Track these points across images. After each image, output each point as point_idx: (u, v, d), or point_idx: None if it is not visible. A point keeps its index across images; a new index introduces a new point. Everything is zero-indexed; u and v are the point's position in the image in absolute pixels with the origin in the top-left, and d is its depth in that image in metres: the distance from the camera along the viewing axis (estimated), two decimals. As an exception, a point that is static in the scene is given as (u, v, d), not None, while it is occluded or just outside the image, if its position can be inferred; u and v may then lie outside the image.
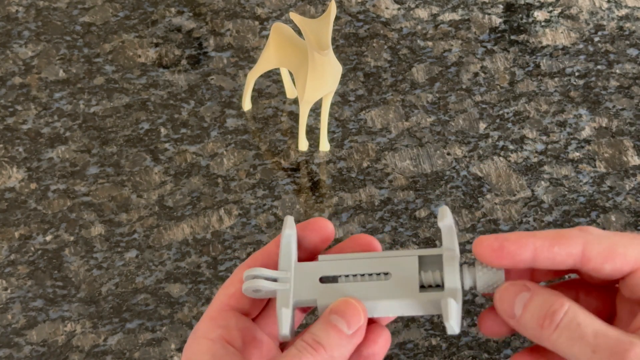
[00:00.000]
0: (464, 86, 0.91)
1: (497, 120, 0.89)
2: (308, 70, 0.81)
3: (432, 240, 0.82)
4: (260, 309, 0.58)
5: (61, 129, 0.88)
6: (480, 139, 0.88)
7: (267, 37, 0.94)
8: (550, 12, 0.96)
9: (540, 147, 0.87)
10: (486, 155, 0.87)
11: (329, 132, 0.88)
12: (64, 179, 0.86)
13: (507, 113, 0.89)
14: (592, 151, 0.87)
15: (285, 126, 0.89)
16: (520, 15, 0.96)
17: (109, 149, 0.87)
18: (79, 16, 0.96)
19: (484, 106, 0.90)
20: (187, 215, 0.83)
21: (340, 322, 0.54)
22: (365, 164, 0.86)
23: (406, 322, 0.78)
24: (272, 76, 0.91)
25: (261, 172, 0.86)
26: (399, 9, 0.96)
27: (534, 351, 0.55)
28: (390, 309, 0.56)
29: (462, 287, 0.55)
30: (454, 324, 0.54)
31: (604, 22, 0.95)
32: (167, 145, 0.87)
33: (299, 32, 0.90)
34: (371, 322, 0.56)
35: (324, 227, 0.57)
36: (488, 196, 0.84)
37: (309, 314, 0.77)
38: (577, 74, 0.92)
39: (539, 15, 0.96)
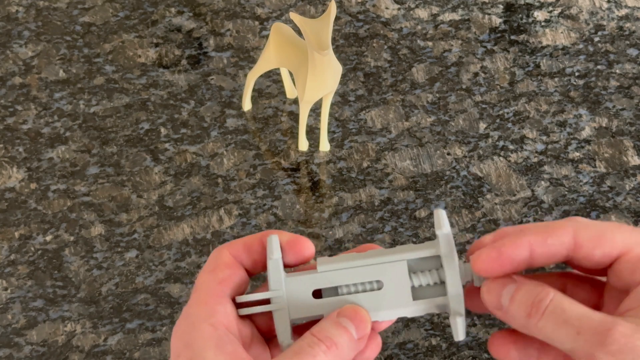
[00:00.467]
0: (464, 86, 0.91)
1: (497, 120, 0.89)
2: (308, 70, 0.81)
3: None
4: (243, 293, 0.58)
5: (61, 129, 0.88)
6: (480, 139, 0.88)
7: (267, 37, 0.94)
8: (550, 12, 0.96)
9: (540, 147, 0.87)
10: (486, 155, 0.87)
11: (329, 132, 0.88)
12: (64, 179, 0.86)
13: (507, 113, 0.89)
14: (592, 151, 0.87)
15: (285, 126, 0.89)
16: (520, 15, 0.96)
17: (109, 149, 0.87)
18: (79, 16, 0.96)
19: (484, 106, 0.90)
20: (187, 215, 0.83)
21: (350, 326, 0.55)
22: (365, 164, 0.86)
23: (406, 322, 0.78)
24: (272, 76, 0.91)
25: (261, 172, 0.86)
26: (399, 9, 0.96)
27: (513, 332, 0.56)
28: (385, 316, 0.56)
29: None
30: (462, 336, 0.55)
31: (604, 22, 0.95)
32: (167, 145, 0.87)
33: (299, 32, 0.90)
34: None
35: (305, 250, 0.57)
36: (488, 196, 0.84)
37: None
38: (577, 74, 0.92)
39: (539, 15, 0.96)
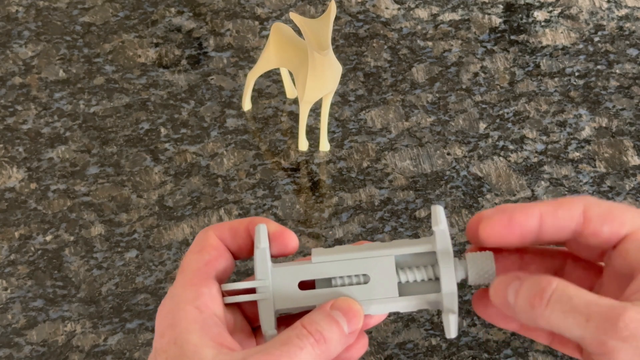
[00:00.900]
0: (464, 86, 0.91)
1: (497, 120, 0.89)
2: (308, 70, 0.81)
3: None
4: (228, 277, 0.58)
5: (61, 129, 0.88)
6: (480, 139, 0.88)
7: (267, 37, 0.94)
8: (550, 12, 0.96)
9: (540, 147, 0.87)
10: (486, 155, 0.87)
11: (329, 132, 0.88)
12: (64, 179, 0.86)
13: (507, 113, 0.89)
14: (592, 151, 0.87)
15: (285, 126, 0.89)
16: (520, 15, 0.96)
17: (109, 149, 0.87)
18: (79, 16, 0.96)
19: (484, 106, 0.90)
20: (187, 215, 0.83)
21: (342, 320, 0.55)
22: (365, 164, 0.86)
23: (406, 322, 0.78)
24: (272, 76, 0.91)
25: (261, 172, 0.86)
26: (399, 9, 0.96)
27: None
28: (371, 310, 0.56)
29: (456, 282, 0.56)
30: (453, 333, 0.55)
31: (604, 22, 0.95)
32: (167, 145, 0.87)
33: (299, 32, 0.90)
34: None
35: (290, 242, 0.57)
36: (488, 196, 0.84)
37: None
38: (577, 74, 0.92)
39: (539, 15, 0.96)
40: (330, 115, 0.89)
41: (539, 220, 0.54)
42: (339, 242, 0.82)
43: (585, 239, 0.55)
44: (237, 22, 0.95)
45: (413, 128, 0.88)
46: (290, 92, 0.90)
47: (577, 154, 0.87)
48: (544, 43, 0.94)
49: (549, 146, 0.87)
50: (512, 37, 0.94)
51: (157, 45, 0.94)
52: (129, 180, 0.85)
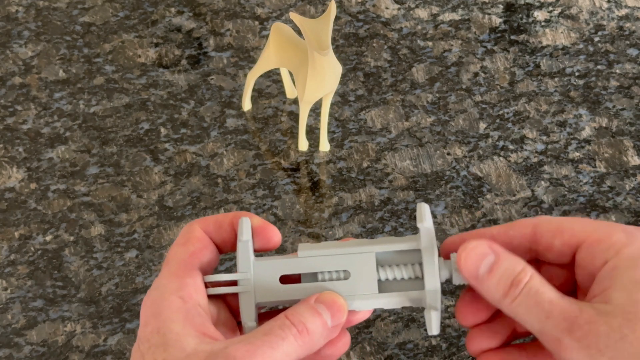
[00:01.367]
0: (464, 86, 0.91)
1: (497, 120, 0.89)
2: (308, 70, 0.81)
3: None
4: (212, 269, 0.58)
5: (61, 129, 0.88)
6: (480, 139, 0.88)
7: (267, 37, 0.94)
8: (550, 12, 0.96)
9: (540, 147, 0.87)
10: (486, 155, 0.87)
11: (329, 132, 0.88)
12: (64, 179, 0.86)
13: (507, 113, 0.89)
14: (592, 151, 0.87)
15: (285, 126, 0.89)
16: (520, 15, 0.96)
17: (109, 149, 0.87)
18: (79, 16, 0.96)
19: (484, 106, 0.90)
20: (187, 215, 0.83)
21: (326, 313, 0.55)
22: (365, 164, 0.86)
23: (406, 322, 0.78)
24: (272, 76, 0.91)
25: (261, 172, 0.86)
26: (399, 9, 0.96)
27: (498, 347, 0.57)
28: (351, 306, 0.56)
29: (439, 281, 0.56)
30: (435, 330, 0.55)
31: (604, 22, 0.95)
32: (167, 145, 0.87)
33: (299, 32, 0.90)
34: None
35: (272, 236, 0.58)
36: (488, 196, 0.84)
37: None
38: (577, 74, 0.92)
39: (539, 15, 0.96)
40: (330, 115, 0.89)
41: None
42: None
43: (542, 255, 0.56)
44: (237, 22, 0.95)
45: (413, 128, 0.88)
46: (290, 92, 0.90)
47: (577, 154, 0.87)
48: (544, 43, 0.94)
49: (549, 146, 0.87)
50: (512, 37, 0.94)
51: (157, 45, 0.94)
52: (129, 180, 0.85)
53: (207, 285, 0.56)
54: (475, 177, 0.85)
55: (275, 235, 0.57)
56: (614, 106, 0.89)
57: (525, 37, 0.94)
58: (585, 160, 0.86)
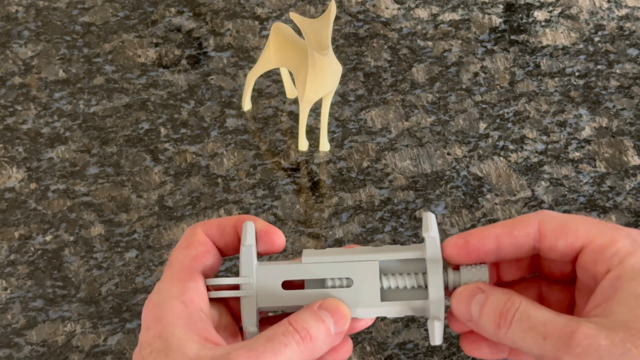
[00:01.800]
0: (464, 86, 0.91)
1: (497, 120, 0.89)
2: (308, 70, 0.81)
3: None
4: (215, 273, 0.58)
5: (61, 129, 0.88)
6: (480, 139, 0.88)
7: (267, 37, 0.94)
8: (550, 12, 0.96)
9: (540, 147, 0.87)
10: (486, 155, 0.87)
11: (329, 132, 0.88)
12: (64, 179, 0.86)
13: (507, 113, 0.89)
14: (592, 151, 0.87)
15: (285, 126, 0.89)
16: (520, 15, 0.96)
17: (109, 149, 0.87)
18: (79, 16, 0.96)
19: (484, 106, 0.90)
20: (187, 215, 0.83)
21: (329, 320, 0.55)
22: (365, 164, 0.86)
23: (406, 322, 0.78)
24: (272, 76, 0.91)
25: (261, 172, 0.86)
26: (399, 9, 0.96)
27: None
28: (353, 314, 0.56)
29: (445, 292, 0.56)
30: (438, 340, 0.55)
31: (604, 22, 0.95)
32: (167, 145, 0.87)
33: (299, 32, 0.90)
34: None
35: (277, 240, 0.57)
36: (488, 196, 0.84)
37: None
38: (577, 74, 0.92)
39: (539, 15, 0.96)
40: (330, 115, 0.89)
41: (496, 242, 0.55)
42: (339, 242, 0.82)
43: (545, 254, 0.56)
44: (237, 22, 0.95)
45: (413, 128, 0.88)
46: (290, 92, 0.90)
47: (577, 154, 0.87)
48: (544, 43, 0.94)
49: (549, 146, 0.87)
50: (512, 37, 0.94)
51: (157, 45, 0.94)
52: (129, 180, 0.85)
53: (209, 288, 0.56)
54: (475, 177, 0.85)
55: (279, 239, 0.57)
56: (614, 106, 0.89)
57: (525, 37, 0.94)
58: (586, 160, 0.86)
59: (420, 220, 0.83)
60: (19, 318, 0.78)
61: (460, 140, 0.87)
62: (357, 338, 0.77)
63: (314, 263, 0.56)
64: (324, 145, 0.87)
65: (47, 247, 0.82)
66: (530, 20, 0.95)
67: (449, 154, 0.87)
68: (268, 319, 0.59)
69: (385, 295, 0.56)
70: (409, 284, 0.56)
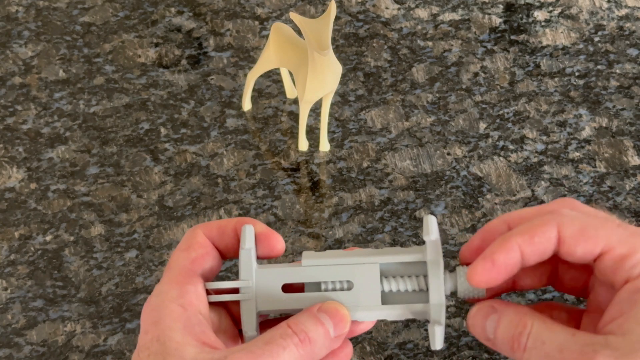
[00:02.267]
0: (464, 86, 0.91)
1: (497, 120, 0.89)
2: (308, 70, 0.81)
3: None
4: (214, 275, 0.58)
5: (61, 129, 0.88)
6: (480, 139, 0.88)
7: (267, 37, 0.94)
8: (550, 12, 0.96)
9: (540, 147, 0.87)
10: (486, 155, 0.87)
11: (329, 132, 0.88)
12: (64, 179, 0.86)
13: (507, 113, 0.89)
14: (592, 151, 0.87)
15: (285, 126, 0.89)
16: (520, 15, 0.96)
17: (109, 149, 0.87)
18: (79, 16, 0.96)
19: (484, 106, 0.90)
20: (187, 215, 0.83)
21: (329, 322, 0.54)
22: (365, 164, 0.86)
23: (406, 322, 0.78)
24: (272, 76, 0.91)
25: (261, 172, 0.86)
26: (399, 9, 0.96)
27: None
28: (354, 317, 0.56)
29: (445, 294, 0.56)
30: (439, 345, 0.55)
31: (604, 22, 0.95)
32: (167, 145, 0.87)
33: (299, 32, 0.90)
34: None
35: (276, 244, 0.57)
36: (488, 196, 0.84)
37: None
38: (577, 74, 0.92)
39: (539, 15, 0.96)
40: (330, 115, 0.89)
41: (519, 253, 0.54)
42: (339, 242, 0.82)
43: (563, 256, 0.55)
44: (237, 22, 0.95)
45: (413, 128, 0.88)
46: (290, 92, 0.90)
47: (577, 154, 0.87)
48: (544, 43, 0.94)
49: (549, 146, 0.87)
50: (512, 37, 0.94)
51: (157, 45, 0.94)
52: (129, 180, 0.85)
53: (209, 292, 0.56)
54: (475, 177, 0.85)
55: (278, 243, 0.57)
56: (614, 106, 0.89)
57: (525, 37, 0.94)
58: (585, 160, 0.86)
59: (420, 220, 0.83)
60: (19, 318, 0.78)
61: (460, 140, 0.87)
62: (357, 338, 0.77)
63: (314, 266, 0.56)
64: (324, 145, 0.87)
65: (47, 247, 0.82)
66: (530, 20, 0.95)
67: (449, 154, 0.87)
68: (268, 322, 0.58)
69: (386, 298, 0.56)
70: (410, 287, 0.56)
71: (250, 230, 0.56)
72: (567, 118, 0.89)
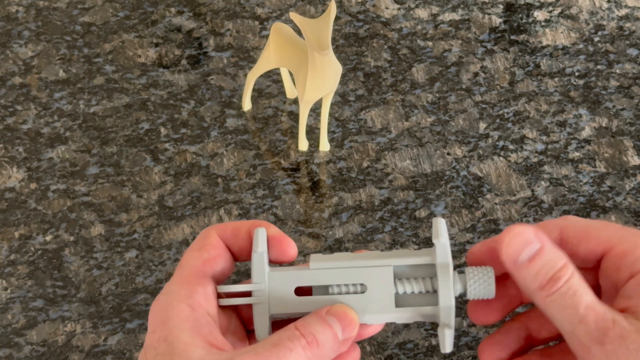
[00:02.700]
0: (464, 86, 0.91)
1: (497, 120, 0.89)
2: (308, 70, 0.81)
3: (432, 241, 0.82)
4: (226, 277, 0.57)
5: (61, 129, 0.88)
6: (480, 139, 0.88)
7: (267, 37, 0.94)
8: (550, 12, 0.96)
9: (540, 147, 0.87)
10: (486, 155, 0.87)
11: (329, 132, 0.88)
12: (64, 179, 0.86)
13: (507, 113, 0.89)
14: (592, 151, 0.87)
15: (285, 126, 0.89)
16: (520, 15, 0.96)
17: (109, 149, 0.87)
18: (79, 16, 0.96)
19: (484, 106, 0.90)
20: (187, 215, 0.83)
21: (337, 325, 0.54)
22: (365, 164, 0.86)
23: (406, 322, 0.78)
24: (272, 76, 0.91)
25: (261, 172, 0.86)
26: (399, 9, 0.96)
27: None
28: (367, 320, 0.56)
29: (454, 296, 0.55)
30: (448, 348, 0.55)
31: (604, 22, 0.95)
32: (167, 145, 0.87)
33: (299, 32, 0.90)
34: None
35: (289, 249, 0.57)
36: (488, 196, 0.84)
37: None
38: (577, 74, 0.92)
39: (539, 15, 0.96)
40: (330, 115, 0.89)
41: None
42: (339, 242, 0.82)
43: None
44: (237, 22, 0.95)
45: (413, 128, 0.88)
46: (290, 92, 0.90)
47: (577, 154, 0.87)
48: (544, 43, 0.94)
49: (549, 146, 0.87)
50: (512, 37, 0.94)
51: (157, 45, 0.94)
52: (129, 180, 0.85)
53: (221, 295, 0.56)
54: (475, 177, 0.85)
55: (290, 249, 0.57)
56: (614, 106, 0.89)
57: (525, 37, 0.94)
58: (585, 160, 0.86)
59: (420, 220, 0.83)
60: (19, 318, 0.78)
61: (460, 140, 0.88)
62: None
63: (326, 269, 0.56)
64: (324, 145, 0.87)
65: (47, 247, 0.82)
66: (530, 20, 0.95)
67: (449, 154, 0.87)
68: (277, 324, 0.58)
69: (398, 300, 0.56)
70: (420, 289, 0.56)
71: (262, 234, 0.56)
72: (567, 118, 0.89)
